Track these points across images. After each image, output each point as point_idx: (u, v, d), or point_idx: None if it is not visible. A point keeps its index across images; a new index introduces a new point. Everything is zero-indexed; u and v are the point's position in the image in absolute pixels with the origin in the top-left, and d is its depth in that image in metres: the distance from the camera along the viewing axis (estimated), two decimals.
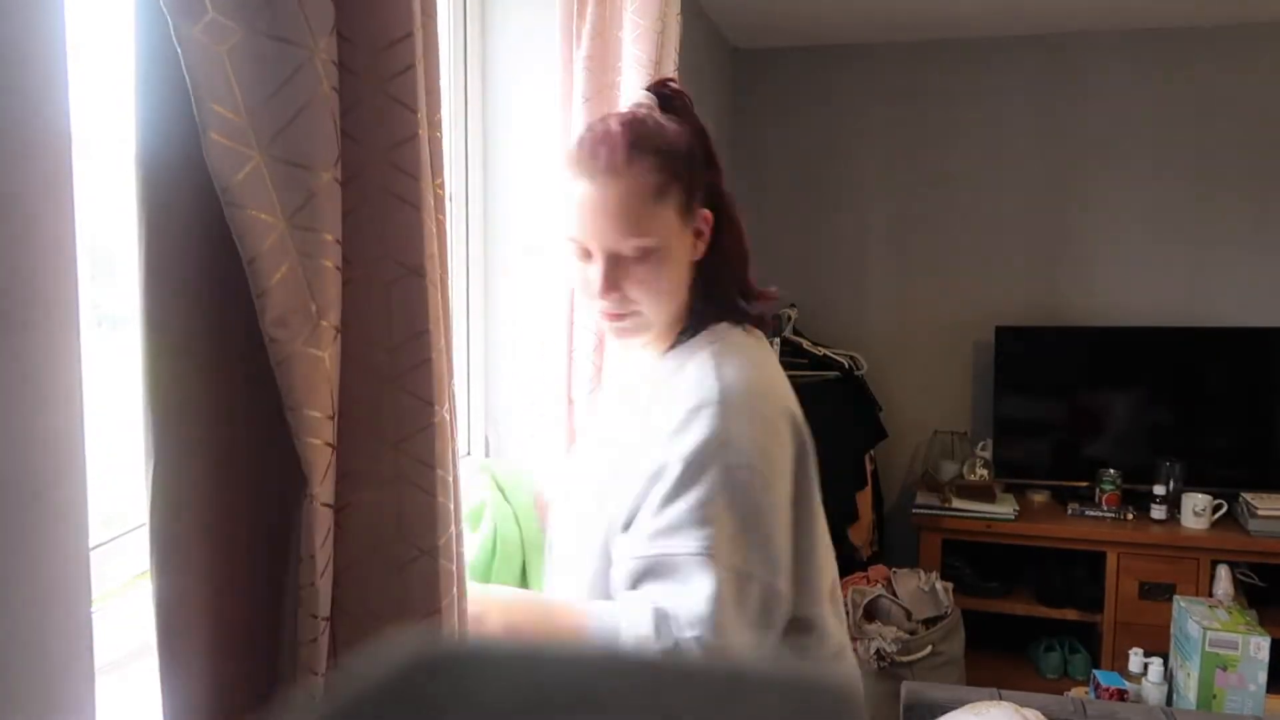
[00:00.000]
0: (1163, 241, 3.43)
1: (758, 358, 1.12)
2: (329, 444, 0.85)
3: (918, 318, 3.63)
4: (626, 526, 1.05)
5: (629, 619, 0.99)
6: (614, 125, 1.06)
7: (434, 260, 0.96)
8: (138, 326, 0.78)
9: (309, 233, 0.81)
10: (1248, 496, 3.08)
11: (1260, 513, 2.99)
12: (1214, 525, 3.08)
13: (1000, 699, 2.03)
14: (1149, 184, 3.44)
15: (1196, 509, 3.07)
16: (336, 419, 0.88)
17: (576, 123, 1.88)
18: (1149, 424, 3.36)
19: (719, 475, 0.99)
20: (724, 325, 1.14)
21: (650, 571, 1.00)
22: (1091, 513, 3.20)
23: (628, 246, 1.04)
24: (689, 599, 0.96)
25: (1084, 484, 3.32)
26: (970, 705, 1.97)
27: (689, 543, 0.98)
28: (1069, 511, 3.24)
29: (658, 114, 1.11)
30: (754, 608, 0.99)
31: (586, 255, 1.07)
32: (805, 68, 3.63)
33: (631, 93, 1.93)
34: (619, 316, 1.08)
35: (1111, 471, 3.24)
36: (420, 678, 0.27)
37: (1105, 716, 1.96)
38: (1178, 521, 3.13)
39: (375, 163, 0.89)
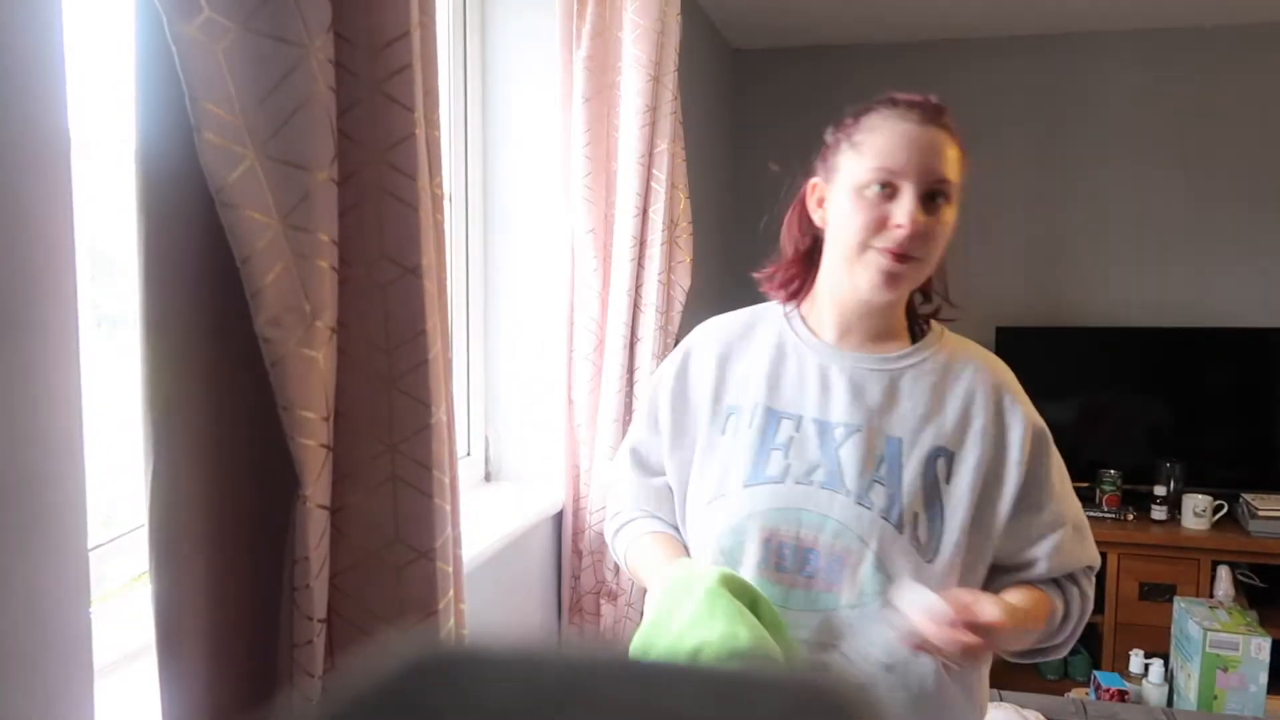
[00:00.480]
0: (1163, 242, 3.43)
1: None
2: (323, 445, 0.85)
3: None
4: (1019, 502, 1.12)
5: (1077, 586, 1.15)
6: (926, 96, 1.16)
7: (432, 260, 0.96)
8: (137, 327, 0.78)
9: (304, 233, 0.81)
10: (1248, 497, 3.08)
11: (1261, 513, 2.99)
12: (1214, 526, 3.07)
13: (1001, 700, 2.03)
14: (1149, 185, 3.43)
15: (1197, 510, 3.07)
16: (332, 420, 0.88)
17: (576, 123, 1.88)
18: (1149, 424, 3.36)
19: None
20: (940, 326, 1.21)
21: (1079, 533, 1.15)
22: (1092, 514, 3.20)
23: (945, 188, 1.08)
24: (1090, 546, 1.16)
25: (1084, 485, 3.31)
26: None
27: (1076, 499, 1.17)
28: None
29: None
30: None
31: (887, 193, 1.07)
32: (805, 68, 3.63)
33: (631, 93, 1.93)
34: (903, 258, 1.06)
35: (1112, 472, 3.24)
36: (419, 679, 0.27)
37: (1106, 717, 1.96)
38: (1178, 522, 3.13)
39: (372, 162, 0.89)
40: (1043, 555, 1.12)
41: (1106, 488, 3.23)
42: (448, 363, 1.02)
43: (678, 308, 2.10)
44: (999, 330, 3.44)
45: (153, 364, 0.77)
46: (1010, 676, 2.97)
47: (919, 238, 1.05)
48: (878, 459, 1.08)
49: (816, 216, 1.16)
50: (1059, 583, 1.14)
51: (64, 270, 0.71)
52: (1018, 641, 1.09)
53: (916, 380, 1.13)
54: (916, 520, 1.07)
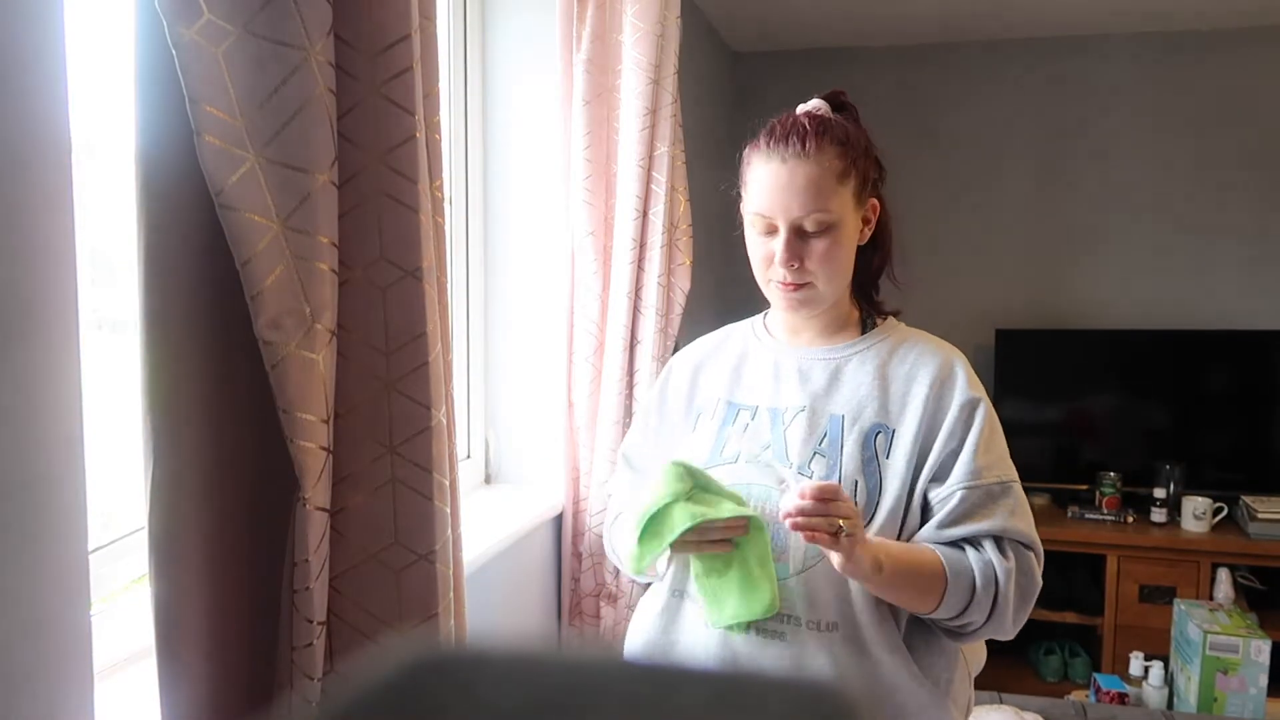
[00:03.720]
0: (1162, 245, 3.43)
1: None
2: (323, 448, 0.85)
3: (917, 320, 3.61)
4: (935, 474, 1.15)
5: (968, 548, 1.12)
6: (801, 117, 1.22)
7: (432, 263, 0.96)
8: (137, 329, 0.78)
9: (304, 235, 0.81)
10: (1248, 499, 3.08)
11: (1260, 516, 2.99)
12: (1214, 528, 3.07)
13: (1001, 702, 2.03)
14: (1148, 187, 3.44)
15: (1196, 512, 3.07)
16: (332, 422, 0.88)
17: (576, 126, 1.88)
18: (1149, 427, 3.36)
19: (999, 423, 1.19)
20: (893, 319, 1.29)
21: (988, 498, 1.13)
22: (1091, 516, 3.20)
23: (810, 220, 1.16)
24: (1020, 520, 1.14)
25: (1084, 487, 3.31)
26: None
27: (1009, 471, 1.16)
28: (1069, 514, 3.23)
29: (831, 113, 1.27)
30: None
31: (770, 231, 1.19)
32: (804, 71, 3.63)
33: (631, 96, 1.94)
34: (796, 287, 1.18)
35: (1111, 474, 3.24)
36: (419, 680, 0.27)
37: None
38: (1178, 525, 3.13)
39: (373, 165, 0.89)
40: (942, 512, 1.13)
41: (1106, 490, 3.23)
42: (448, 365, 1.02)
43: (677, 310, 2.10)
44: (999, 333, 3.44)
45: (153, 366, 0.77)
46: (1010, 678, 2.97)
47: (801, 270, 1.17)
48: (820, 434, 1.18)
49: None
50: (964, 548, 1.12)
51: (65, 273, 0.71)
52: (896, 587, 1.10)
53: (861, 365, 1.22)
54: (856, 487, 1.14)
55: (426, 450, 0.93)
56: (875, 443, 1.16)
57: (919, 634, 1.17)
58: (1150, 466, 3.23)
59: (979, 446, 1.14)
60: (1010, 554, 1.12)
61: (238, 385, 0.83)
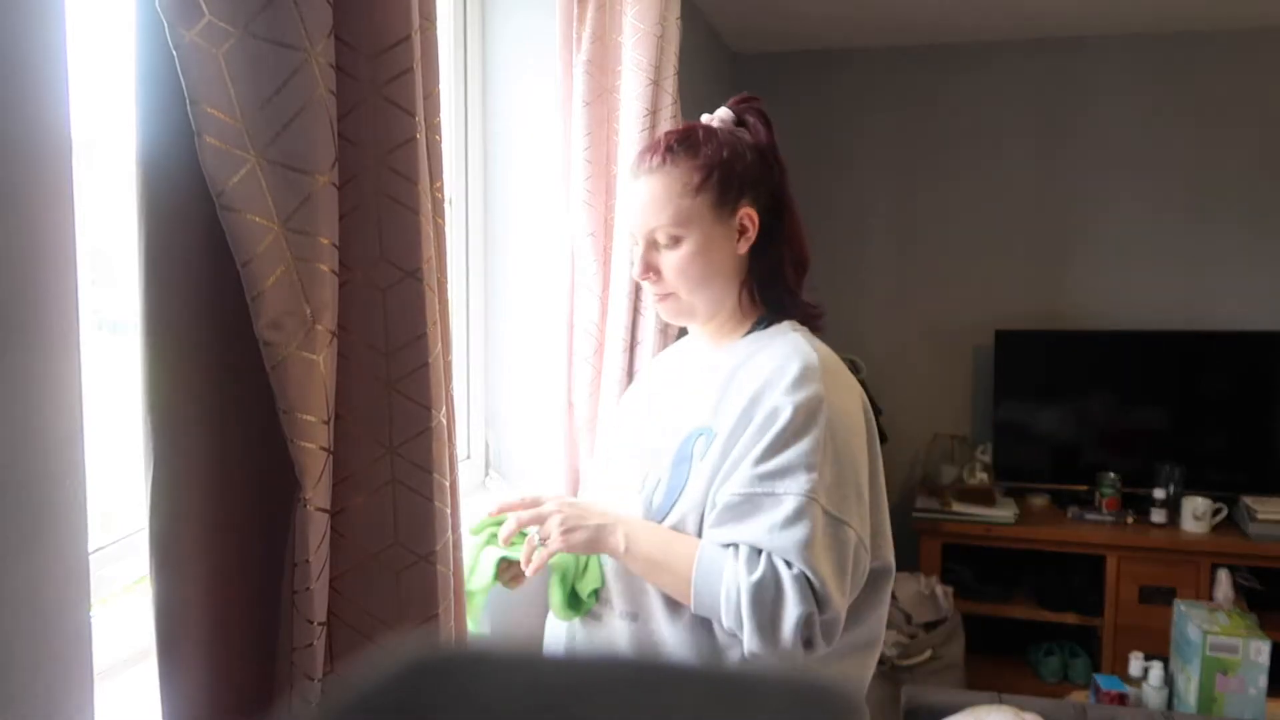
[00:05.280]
0: (1162, 246, 3.43)
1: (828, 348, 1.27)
2: (323, 448, 0.85)
3: (918, 321, 3.63)
4: (730, 475, 1.13)
5: (729, 554, 1.09)
6: (665, 134, 1.25)
7: (432, 264, 0.96)
8: (137, 330, 0.78)
9: (304, 236, 0.81)
10: (1247, 500, 3.07)
11: (1260, 516, 2.99)
12: (1214, 529, 3.07)
13: (1000, 703, 2.03)
14: (1148, 188, 3.44)
15: (1196, 513, 3.06)
16: (332, 423, 0.88)
17: (576, 126, 1.88)
18: (1149, 427, 3.36)
19: (824, 429, 1.09)
20: (790, 324, 1.26)
21: (754, 506, 1.08)
22: (1091, 516, 3.20)
23: (660, 233, 1.20)
24: (789, 536, 1.05)
25: (1084, 488, 3.31)
26: (970, 709, 1.96)
27: (797, 484, 1.07)
28: (1069, 515, 3.23)
29: (723, 124, 1.30)
30: (844, 554, 1.08)
31: (635, 243, 1.24)
32: (805, 72, 3.64)
33: (631, 97, 1.94)
34: (661, 297, 1.24)
35: (1111, 475, 3.24)
36: (420, 680, 0.27)
37: None
38: (1177, 525, 3.13)
39: (373, 166, 0.89)
40: (711, 514, 1.11)
41: (1106, 491, 3.23)
42: (448, 365, 1.02)
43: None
44: (999, 334, 3.44)
45: (153, 367, 0.78)
46: (1010, 679, 2.97)
47: (661, 281, 1.22)
48: (669, 432, 1.23)
49: None
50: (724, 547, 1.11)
51: (65, 274, 0.72)
52: (646, 569, 1.15)
53: (716, 368, 1.24)
54: (658, 485, 1.19)
55: (427, 450, 0.93)
56: (695, 445, 1.17)
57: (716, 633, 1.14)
58: (1150, 467, 3.23)
59: (764, 452, 1.09)
60: (760, 568, 1.05)
61: (238, 386, 0.83)
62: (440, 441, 0.95)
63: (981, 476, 3.32)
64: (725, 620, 1.09)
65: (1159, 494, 3.16)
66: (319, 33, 0.81)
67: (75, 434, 0.72)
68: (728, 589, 1.07)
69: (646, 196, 1.20)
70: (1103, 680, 2.40)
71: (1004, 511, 3.19)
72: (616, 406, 1.47)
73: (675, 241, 1.19)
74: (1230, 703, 2.27)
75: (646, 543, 1.14)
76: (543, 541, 1.17)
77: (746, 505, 1.08)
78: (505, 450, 2.08)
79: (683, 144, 1.21)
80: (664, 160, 1.20)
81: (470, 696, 0.27)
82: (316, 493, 0.84)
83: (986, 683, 2.56)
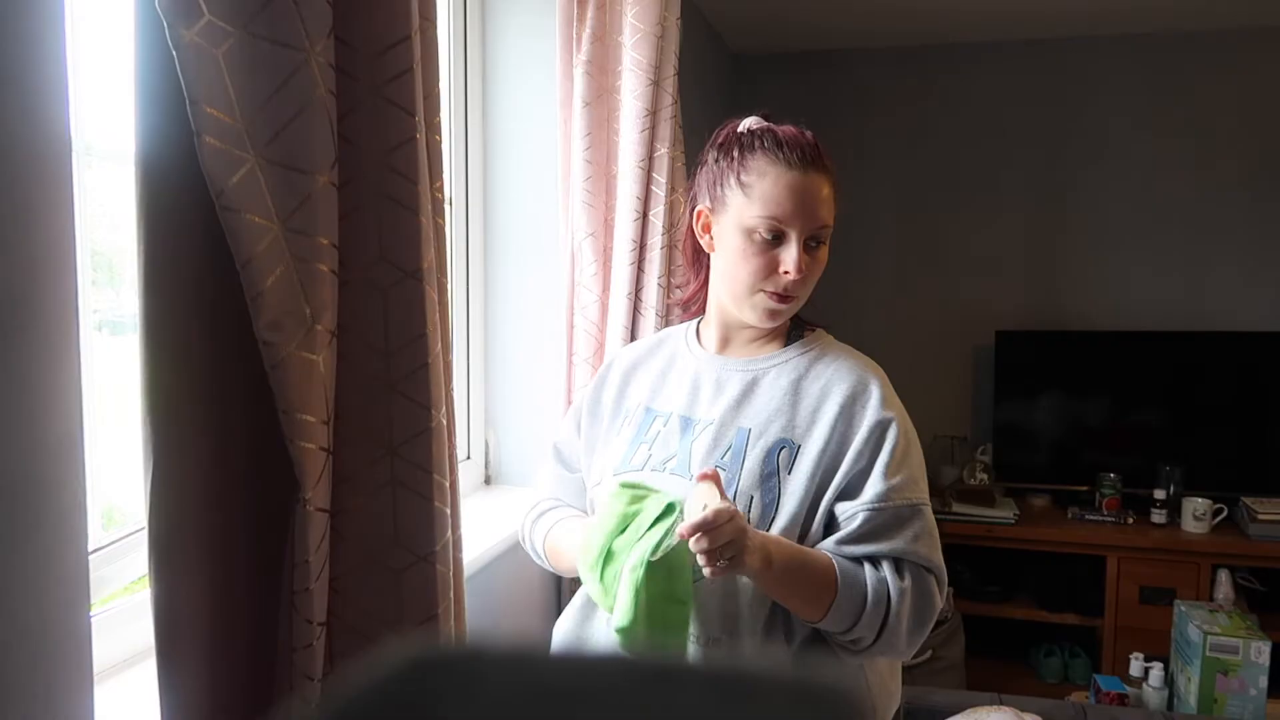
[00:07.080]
0: (1162, 246, 3.43)
1: None
2: (323, 448, 0.85)
3: (918, 322, 3.63)
4: (843, 491, 1.15)
5: (865, 565, 1.12)
6: (799, 133, 1.20)
7: (432, 264, 0.96)
8: (137, 331, 0.78)
9: (304, 236, 0.81)
10: (1248, 501, 3.07)
11: (1260, 517, 2.99)
12: (1214, 529, 3.07)
13: (1001, 704, 2.03)
14: (1148, 189, 3.44)
15: (1196, 513, 3.06)
16: (332, 423, 0.88)
17: (576, 127, 1.88)
18: (1149, 428, 3.36)
19: (916, 443, 1.19)
20: (822, 332, 1.28)
21: (895, 519, 1.13)
22: (1091, 517, 3.20)
23: (824, 233, 1.18)
24: (926, 543, 1.13)
25: (1084, 488, 3.31)
26: (970, 710, 1.96)
27: (918, 493, 1.15)
28: (1069, 516, 3.23)
29: None
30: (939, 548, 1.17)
31: (775, 238, 1.16)
32: (804, 73, 3.64)
33: (631, 97, 1.94)
34: (787, 299, 1.19)
35: (1111, 475, 3.24)
36: (420, 679, 0.27)
37: None
38: (1178, 526, 3.13)
39: (373, 166, 0.89)
40: (845, 530, 1.12)
41: (1106, 491, 3.23)
42: (448, 366, 1.02)
43: (677, 312, 2.10)
44: (999, 334, 3.44)
45: (153, 367, 0.77)
46: (1010, 679, 2.97)
47: (802, 281, 1.17)
48: (725, 448, 1.18)
49: (704, 242, 1.26)
50: (862, 563, 1.12)
51: (65, 274, 0.71)
52: (785, 585, 1.10)
53: (776, 379, 1.22)
54: (751, 502, 1.14)
55: (426, 451, 0.93)
56: (778, 458, 1.15)
57: (814, 655, 1.15)
58: (1150, 467, 3.23)
59: (888, 468, 1.13)
60: (907, 575, 1.12)
61: (238, 386, 0.83)
62: (440, 442, 0.95)
63: (981, 477, 3.32)
64: (866, 628, 1.10)
65: (1159, 494, 3.16)
66: (319, 32, 0.81)
67: (75, 434, 0.72)
68: (876, 597, 1.10)
69: (822, 193, 1.17)
70: (1103, 681, 2.40)
71: (1004, 512, 3.19)
72: (585, 419, 1.36)
73: (824, 244, 1.19)
74: (1230, 703, 2.27)
75: (782, 556, 1.09)
76: (706, 567, 1.04)
77: (887, 519, 1.12)
78: (505, 450, 2.08)
79: (821, 149, 1.20)
80: (824, 159, 1.18)
81: (469, 695, 0.27)
82: (316, 493, 0.84)
83: (987, 683, 2.55)
